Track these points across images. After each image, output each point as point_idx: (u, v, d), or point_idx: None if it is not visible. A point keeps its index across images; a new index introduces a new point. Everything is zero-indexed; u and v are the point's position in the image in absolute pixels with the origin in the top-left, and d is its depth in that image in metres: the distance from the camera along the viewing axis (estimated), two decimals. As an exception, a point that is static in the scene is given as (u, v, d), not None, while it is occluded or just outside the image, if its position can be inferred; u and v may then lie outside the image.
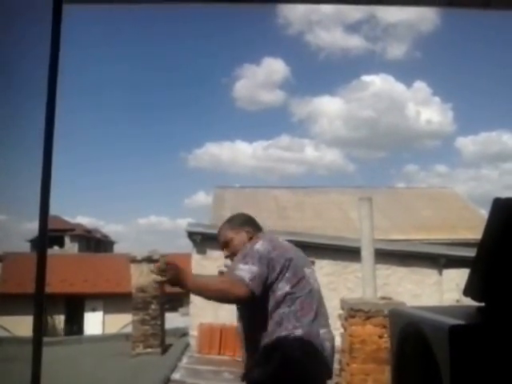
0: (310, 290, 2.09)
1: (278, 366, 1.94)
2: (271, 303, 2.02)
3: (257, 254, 2.04)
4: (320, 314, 2.09)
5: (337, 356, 4.97)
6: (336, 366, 5.05)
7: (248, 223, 2.35)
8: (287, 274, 2.04)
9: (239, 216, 2.41)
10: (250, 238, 2.25)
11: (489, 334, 1.04)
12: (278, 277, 2.02)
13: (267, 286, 2.00)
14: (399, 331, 1.34)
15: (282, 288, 2.02)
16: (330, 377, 2.12)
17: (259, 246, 2.08)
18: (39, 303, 1.50)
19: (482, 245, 1.22)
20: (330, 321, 2.20)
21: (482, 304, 1.25)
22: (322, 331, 2.06)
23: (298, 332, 1.99)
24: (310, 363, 1.99)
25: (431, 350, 1.09)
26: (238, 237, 2.27)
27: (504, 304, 1.16)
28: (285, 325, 1.99)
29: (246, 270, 1.95)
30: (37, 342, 1.46)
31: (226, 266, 2.34)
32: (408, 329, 1.27)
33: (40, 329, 1.51)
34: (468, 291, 1.28)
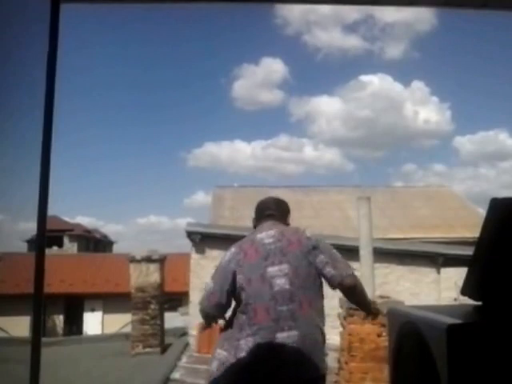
0: (269, 292, 1.97)
1: (232, 374, 1.94)
2: (233, 310, 2.07)
3: (219, 267, 2.12)
4: (282, 316, 1.94)
5: (335, 355, 5.00)
6: (335, 364, 5.06)
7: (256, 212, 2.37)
8: (241, 281, 2.03)
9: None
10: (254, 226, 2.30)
11: (486, 333, 1.04)
12: (237, 284, 2.04)
13: (234, 294, 2.06)
14: (397, 330, 1.35)
15: (239, 295, 2.03)
16: (300, 380, 1.95)
17: (224, 257, 2.14)
18: (38, 303, 1.50)
19: (480, 244, 1.22)
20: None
21: (480, 303, 1.26)
22: (280, 335, 1.93)
23: (249, 340, 1.95)
24: (260, 369, 1.92)
25: (429, 349, 1.10)
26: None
27: (501, 303, 1.17)
28: (239, 332, 1.98)
29: (205, 290, 2.11)
30: (35, 342, 1.46)
31: None
32: (406, 327, 1.28)
33: (38, 329, 1.51)
34: (465, 290, 1.29)
